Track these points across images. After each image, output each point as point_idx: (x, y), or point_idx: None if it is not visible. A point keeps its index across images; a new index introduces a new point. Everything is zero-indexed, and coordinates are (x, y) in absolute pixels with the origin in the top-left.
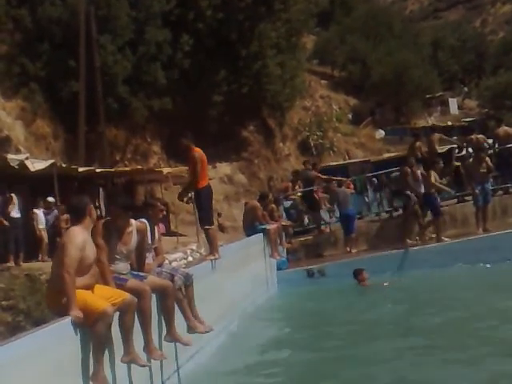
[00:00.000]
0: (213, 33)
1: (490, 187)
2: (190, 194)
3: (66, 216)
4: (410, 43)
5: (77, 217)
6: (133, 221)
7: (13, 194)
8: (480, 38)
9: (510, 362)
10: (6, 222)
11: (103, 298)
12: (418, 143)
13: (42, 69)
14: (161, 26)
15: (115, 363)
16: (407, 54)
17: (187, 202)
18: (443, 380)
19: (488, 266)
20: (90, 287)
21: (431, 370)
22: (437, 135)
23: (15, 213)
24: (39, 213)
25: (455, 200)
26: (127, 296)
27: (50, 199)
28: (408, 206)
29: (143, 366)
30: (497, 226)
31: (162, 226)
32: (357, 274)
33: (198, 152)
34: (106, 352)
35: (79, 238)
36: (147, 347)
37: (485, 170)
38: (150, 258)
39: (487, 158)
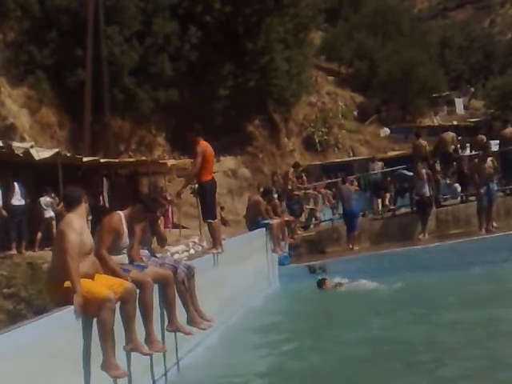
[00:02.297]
0: (220, 26)
1: (496, 188)
2: (193, 186)
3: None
4: (417, 42)
5: (69, 206)
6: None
7: (15, 183)
8: (488, 39)
9: None
10: (4, 213)
11: (105, 286)
12: (422, 142)
13: (48, 57)
14: (169, 17)
15: (115, 354)
16: (415, 52)
17: (192, 194)
18: None
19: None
20: (90, 276)
21: None
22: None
23: (16, 200)
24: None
25: (458, 200)
26: (128, 284)
27: (48, 199)
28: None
29: (146, 354)
30: (500, 227)
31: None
32: (320, 284)
33: (202, 145)
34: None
35: (76, 224)
36: (148, 339)
37: (491, 170)
38: (146, 252)
39: (493, 159)
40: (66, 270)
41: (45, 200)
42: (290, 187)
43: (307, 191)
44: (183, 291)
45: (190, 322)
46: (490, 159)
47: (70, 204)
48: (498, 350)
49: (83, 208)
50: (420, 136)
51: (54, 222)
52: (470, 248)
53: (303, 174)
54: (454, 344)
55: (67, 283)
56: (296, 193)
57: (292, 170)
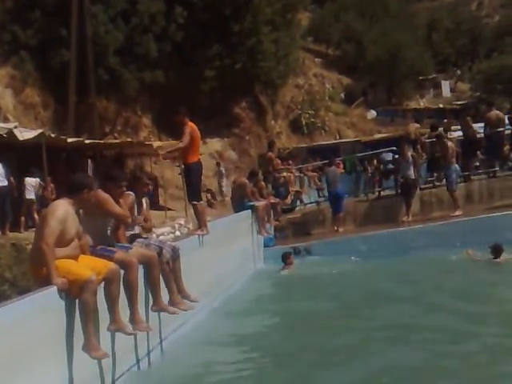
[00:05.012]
0: (207, 6)
1: (454, 172)
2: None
3: (51, 186)
4: (405, 24)
5: (68, 191)
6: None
7: None
8: (475, 22)
9: None
10: None
11: (88, 267)
12: (415, 125)
13: (32, 37)
14: None
15: (100, 334)
16: (402, 34)
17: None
18: None
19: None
20: (73, 258)
21: None
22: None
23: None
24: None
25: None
26: (112, 265)
27: (34, 180)
28: None
29: (130, 334)
30: (483, 209)
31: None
32: (285, 257)
33: (191, 127)
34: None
35: (61, 211)
36: (133, 318)
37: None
38: (136, 230)
39: (450, 144)
40: (42, 256)
41: (30, 181)
42: (271, 169)
43: (290, 172)
44: (167, 272)
45: (172, 302)
46: (450, 143)
47: (67, 190)
48: None
49: (78, 200)
50: (418, 120)
51: (34, 205)
52: (452, 230)
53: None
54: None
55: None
56: (282, 175)
57: (270, 153)
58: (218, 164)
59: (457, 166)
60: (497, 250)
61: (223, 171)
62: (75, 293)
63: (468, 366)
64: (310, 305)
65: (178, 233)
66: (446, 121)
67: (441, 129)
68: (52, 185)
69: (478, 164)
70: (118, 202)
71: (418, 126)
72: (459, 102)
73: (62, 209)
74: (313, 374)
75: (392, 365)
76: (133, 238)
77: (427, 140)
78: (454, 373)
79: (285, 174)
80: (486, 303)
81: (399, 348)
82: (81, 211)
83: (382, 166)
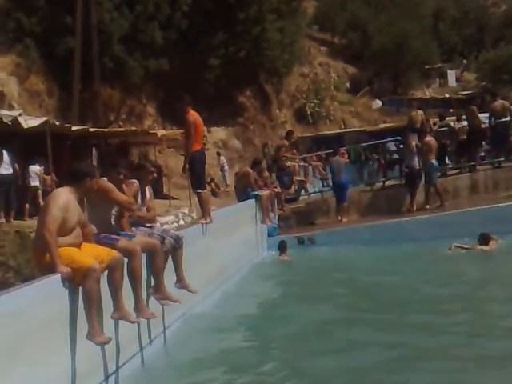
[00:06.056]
0: None
1: (429, 167)
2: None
3: (52, 176)
4: (411, 13)
5: (70, 180)
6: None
7: (3, 151)
8: (482, 11)
9: None
10: None
11: (91, 255)
12: (419, 112)
13: (37, 24)
14: None
15: (103, 323)
16: (408, 23)
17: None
18: None
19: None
20: (75, 246)
21: None
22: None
23: (4, 169)
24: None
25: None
26: (115, 253)
27: (38, 168)
28: None
29: (133, 322)
30: (488, 199)
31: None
32: (282, 247)
33: (193, 115)
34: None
35: (62, 199)
36: (137, 306)
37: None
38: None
39: (428, 139)
40: (44, 244)
41: (34, 168)
42: (282, 157)
43: (295, 162)
44: (164, 262)
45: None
46: (428, 139)
47: (70, 178)
48: None
49: (80, 189)
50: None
51: (39, 192)
52: (455, 220)
53: (295, 146)
54: None
55: (47, 256)
56: (287, 164)
57: (284, 141)
58: (218, 154)
59: (433, 161)
60: (485, 239)
61: (224, 161)
62: (78, 281)
63: None
64: (311, 292)
65: (181, 222)
66: (451, 111)
67: (450, 118)
68: (53, 174)
69: (483, 154)
70: (120, 190)
71: (421, 112)
72: (465, 92)
73: (64, 197)
74: None
75: None
76: (135, 223)
77: (439, 129)
78: None
79: (289, 163)
80: None
81: None
82: (85, 200)
83: (387, 156)
